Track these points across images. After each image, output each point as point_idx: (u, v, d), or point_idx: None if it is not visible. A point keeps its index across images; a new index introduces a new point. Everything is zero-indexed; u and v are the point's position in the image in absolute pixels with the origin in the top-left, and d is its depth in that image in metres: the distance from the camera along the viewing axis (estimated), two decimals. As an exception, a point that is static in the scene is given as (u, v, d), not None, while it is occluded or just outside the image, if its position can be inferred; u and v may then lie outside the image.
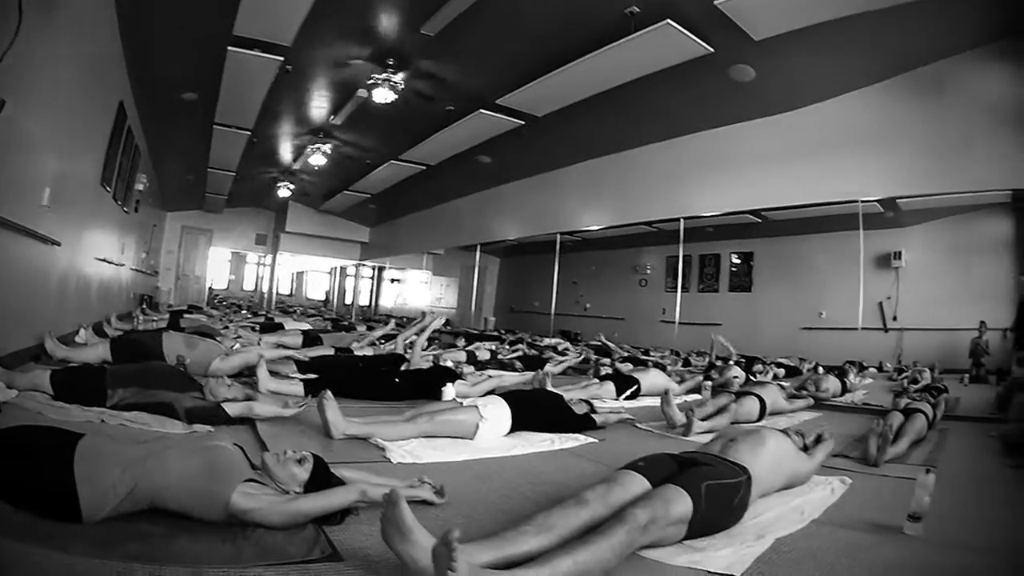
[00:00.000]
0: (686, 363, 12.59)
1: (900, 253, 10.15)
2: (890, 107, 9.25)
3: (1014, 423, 6.45)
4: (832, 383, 9.27)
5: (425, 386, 6.86)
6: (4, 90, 4.47)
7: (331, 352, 8.96)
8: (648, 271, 15.46)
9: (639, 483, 2.98)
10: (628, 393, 8.32)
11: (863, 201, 9.86)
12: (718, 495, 3.04)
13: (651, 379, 8.85)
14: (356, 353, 9.08)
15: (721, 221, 12.41)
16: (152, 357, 6.29)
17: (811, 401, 8.34)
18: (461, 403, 5.53)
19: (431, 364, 8.15)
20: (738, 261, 13.33)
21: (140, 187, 13.49)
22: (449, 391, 6.70)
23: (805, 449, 4.34)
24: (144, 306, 15.51)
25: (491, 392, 6.28)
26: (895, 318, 9.85)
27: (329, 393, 4.77)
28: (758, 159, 10.83)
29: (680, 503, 2.82)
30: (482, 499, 3.60)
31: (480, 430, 5.17)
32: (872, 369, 10.53)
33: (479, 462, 4.54)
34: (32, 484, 2.55)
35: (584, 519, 2.68)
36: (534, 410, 5.71)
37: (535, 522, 2.60)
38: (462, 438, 5.14)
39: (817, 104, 10.03)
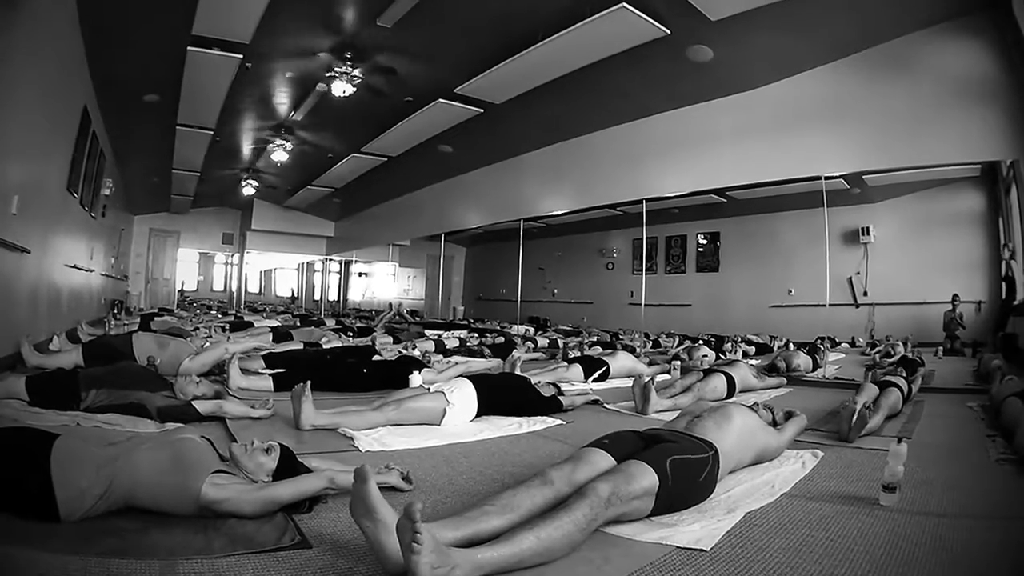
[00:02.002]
0: (656, 344, 12.65)
1: (868, 229, 10.20)
2: (853, 83, 9.31)
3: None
4: (803, 359, 9.34)
5: (393, 376, 6.89)
6: None
7: (300, 347, 8.97)
8: (615, 254, 15.47)
9: (604, 460, 2.99)
10: (596, 375, 8.35)
11: (827, 178, 9.90)
12: (684, 470, 3.05)
13: (620, 362, 8.90)
14: (324, 347, 9.09)
15: (687, 202, 12.41)
16: (123, 359, 6.26)
17: (783, 380, 8.38)
18: (428, 389, 5.54)
19: (398, 355, 8.16)
20: (705, 241, 13.36)
21: (106, 192, 13.49)
22: (416, 378, 6.73)
23: (774, 424, 4.35)
24: (116, 311, 15.40)
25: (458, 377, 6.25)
26: (865, 293, 9.92)
27: (307, 385, 4.79)
28: (720, 139, 10.88)
29: (644, 477, 2.83)
30: (450, 483, 3.64)
31: (447, 415, 5.22)
32: (844, 344, 10.60)
33: (447, 447, 4.58)
34: (9, 484, 2.56)
35: (548, 497, 2.70)
36: (501, 393, 5.76)
37: (498, 501, 2.61)
38: (430, 424, 5.18)
39: (778, 82, 10.07)
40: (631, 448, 3.13)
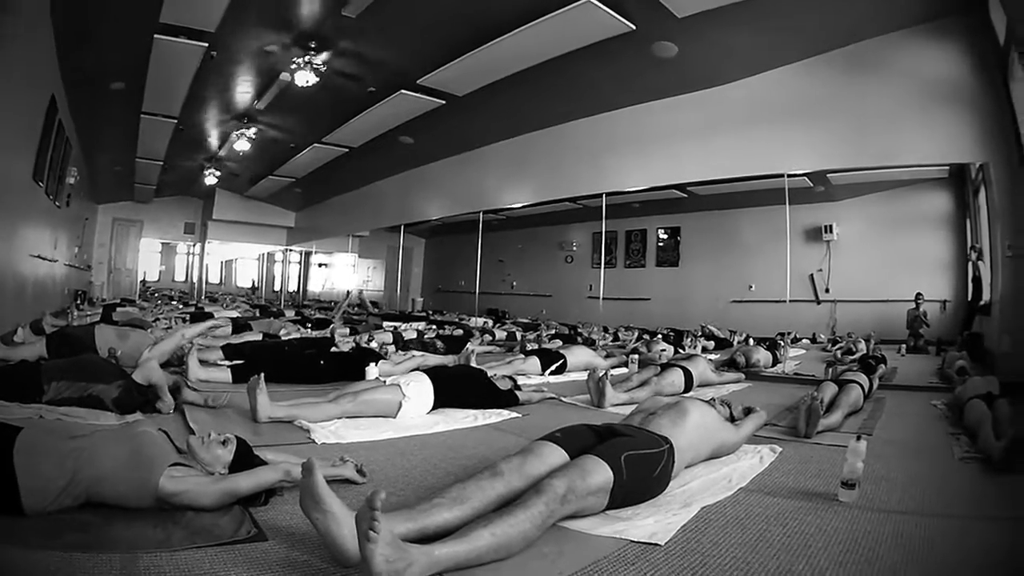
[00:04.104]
0: (615, 338, 12.70)
1: (832, 227, 10.25)
2: (820, 83, 9.35)
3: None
4: (763, 355, 9.38)
5: (350, 368, 6.92)
6: None
7: (259, 338, 8.95)
8: (574, 248, 15.51)
9: (556, 453, 3.01)
10: (553, 368, 8.39)
11: (789, 175, 9.95)
12: (638, 465, 3.07)
13: (577, 355, 8.93)
14: (283, 338, 9.07)
15: (647, 197, 12.50)
16: (86, 351, 6.22)
17: (741, 376, 8.43)
18: (384, 382, 5.58)
19: (353, 346, 8.16)
20: (665, 236, 13.39)
21: (71, 180, 13.35)
22: (372, 371, 6.73)
23: (732, 419, 4.38)
24: (79, 302, 15.28)
25: (415, 370, 6.23)
26: (827, 290, 9.97)
27: (261, 377, 4.78)
28: (682, 135, 10.88)
29: (598, 473, 2.85)
30: (404, 475, 3.67)
31: (403, 408, 5.25)
32: (805, 341, 10.67)
33: (402, 440, 4.62)
34: None
35: (499, 490, 2.73)
36: (457, 386, 5.81)
37: (449, 494, 2.63)
38: (385, 417, 5.22)
39: (744, 80, 10.08)
40: (585, 442, 3.17)
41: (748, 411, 4.58)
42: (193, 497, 2.73)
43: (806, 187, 10.25)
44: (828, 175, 10.05)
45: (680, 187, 11.73)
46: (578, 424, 3.44)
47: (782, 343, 9.89)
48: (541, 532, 2.57)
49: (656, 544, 2.71)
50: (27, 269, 9.62)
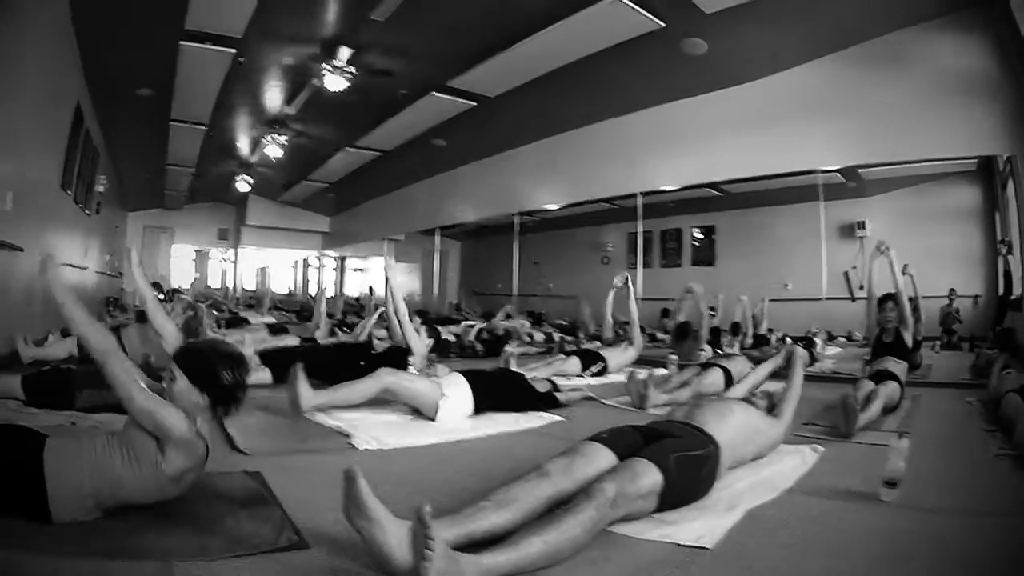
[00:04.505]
0: (652, 339, 12.58)
1: (864, 223, 10.16)
2: (848, 77, 9.27)
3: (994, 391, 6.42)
4: (800, 353, 9.28)
5: (391, 365, 6.80)
6: None
7: (296, 342, 8.92)
8: (610, 248, 15.40)
9: (603, 454, 2.95)
10: (594, 370, 8.31)
11: (822, 171, 9.91)
12: (687, 466, 3.00)
13: (617, 356, 8.83)
14: (320, 342, 9.05)
15: (681, 196, 12.41)
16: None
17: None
18: (427, 374, 5.60)
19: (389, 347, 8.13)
20: (700, 235, 13.32)
21: (100, 188, 13.47)
22: (412, 370, 6.66)
23: (772, 409, 4.32)
24: (110, 308, 15.38)
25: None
26: (861, 287, 9.87)
27: (300, 367, 4.77)
28: (714, 132, 10.81)
29: (649, 476, 2.78)
30: (447, 481, 3.59)
31: (441, 408, 5.16)
32: (841, 339, 10.59)
33: (444, 445, 4.54)
34: (1, 481, 2.51)
35: (546, 492, 2.66)
36: (496, 389, 5.70)
37: (494, 497, 2.58)
38: (420, 409, 5.20)
39: (773, 75, 10.03)
40: (632, 443, 3.09)
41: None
42: (189, 446, 2.72)
43: (838, 183, 10.20)
44: (859, 170, 9.99)
45: (714, 185, 11.66)
46: (624, 425, 3.37)
47: (817, 341, 9.80)
48: (591, 537, 2.50)
49: (704, 547, 2.63)
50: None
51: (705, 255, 13.20)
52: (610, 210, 14.15)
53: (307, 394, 4.82)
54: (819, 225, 10.18)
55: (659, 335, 12.72)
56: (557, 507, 2.59)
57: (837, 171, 9.96)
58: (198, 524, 2.66)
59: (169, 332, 5.39)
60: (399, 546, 2.19)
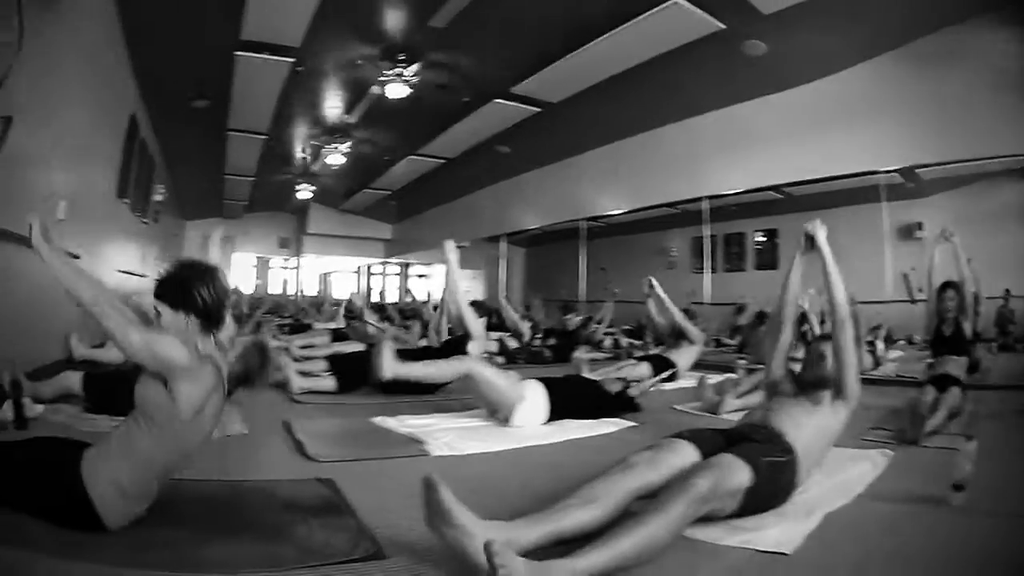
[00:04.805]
0: (718, 344, 12.54)
1: (922, 224, 10.04)
2: (902, 75, 9.15)
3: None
4: (864, 356, 9.17)
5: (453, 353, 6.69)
6: (10, 107, 4.47)
7: (362, 348, 8.92)
8: (674, 253, 15.35)
9: (688, 450, 2.89)
10: (664, 376, 8.27)
11: (883, 172, 9.77)
12: (773, 470, 2.94)
13: (685, 356, 8.75)
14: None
15: (744, 199, 12.29)
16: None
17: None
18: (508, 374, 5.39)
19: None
20: (763, 239, 13.23)
21: (158, 198, 13.66)
22: (473, 346, 6.78)
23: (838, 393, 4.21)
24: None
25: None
26: (920, 289, 9.72)
27: (390, 336, 4.75)
28: (776, 135, 10.71)
29: (740, 473, 2.73)
30: (524, 485, 3.55)
31: (517, 412, 5.09)
32: (902, 342, 10.45)
33: (520, 451, 4.49)
34: (43, 496, 2.49)
35: (632, 485, 2.62)
36: (572, 397, 5.59)
37: (580, 495, 2.52)
38: (497, 411, 5.13)
39: (830, 76, 9.92)
40: (714, 443, 3.03)
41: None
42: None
43: (896, 183, 10.08)
44: (916, 170, 9.87)
45: (776, 188, 11.56)
46: (705, 428, 3.35)
47: (878, 344, 9.67)
48: (679, 532, 2.46)
49: (784, 553, 2.60)
50: (114, 283, 9.69)
51: (768, 259, 13.09)
52: (674, 215, 14.12)
53: (391, 361, 4.79)
54: (878, 227, 10.09)
55: (724, 339, 12.65)
56: (642, 501, 2.58)
57: (896, 171, 9.84)
58: (266, 533, 2.61)
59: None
60: (478, 553, 2.10)
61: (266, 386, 4.01)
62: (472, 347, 6.75)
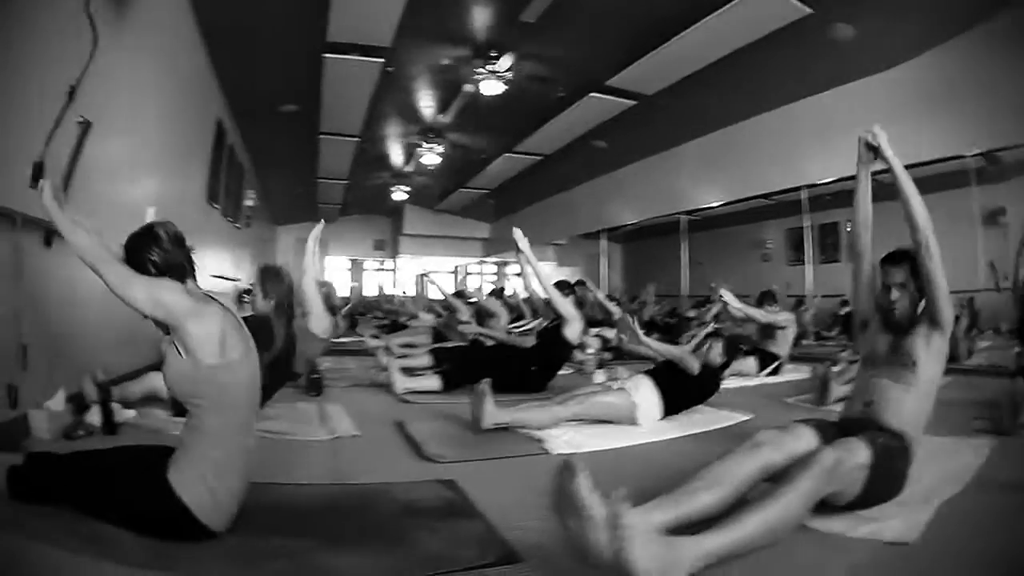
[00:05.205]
0: (818, 336, 12.51)
1: (1005, 209, 9.85)
2: (984, 56, 8.92)
3: None
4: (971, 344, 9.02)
5: (549, 350, 6.83)
6: (91, 113, 4.58)
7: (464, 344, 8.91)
8: (769, 245, 15.28)
9: (809, 435, 2.85)
10: (770, 369, 8.27)
11: (970, 155, 9.61)
12: (889, 454, 2.88)
13: (781, 344, 8.67)
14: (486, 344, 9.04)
15: (836, 188, 12.00)
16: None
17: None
18: (611, 386, 5.34)
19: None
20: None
21: (249, 203, 13.80)
22: (599, 375, 6.59)
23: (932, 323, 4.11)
24: (243, 297, 15.70)
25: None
26: (1006, 277, 9.50)
27: (488, 383, 4.67)
28: (863, 121, 10.26)
29: (860, 450, 2.69)
30: (647, 478, 3.39)
31: (638, 413, 5.05)
32: (989, 331, 10.23)
33: (639, 447, 4.47)
34: (141, 506, 2.48)
35: (757, 464, 2.62)
36: (680, 386, 5.43)
37: (707, 476, 2.52)
38: (616, 421, 5.03)
39: (916, 59, 9.73)
40: (832, 432, 2.96)
41: None
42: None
43: (977, 168, 9.96)
44: (998, 153, 9.67)
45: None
46: (822, 419, 3.26)
47: (971, 333, 9.49)
48: (807, 512, 2.44)
49: (906, 542, 2.58)
50: (207, 288, 9.89)
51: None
52: (767, 206, 14.05)
53: (492, 411, 4.60)
54: (965, 212, 9.94)
55: (824, 332, 12.61)
56: (764, 485, 2.58)
57: (980, 155, 9.68)
58: (390, 539, 2.57)
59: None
60: (607, 539, 2.02)
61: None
62: (569, 332, 6.66)
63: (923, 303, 3.34)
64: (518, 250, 6.77)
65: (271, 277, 5.14)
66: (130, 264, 2.60)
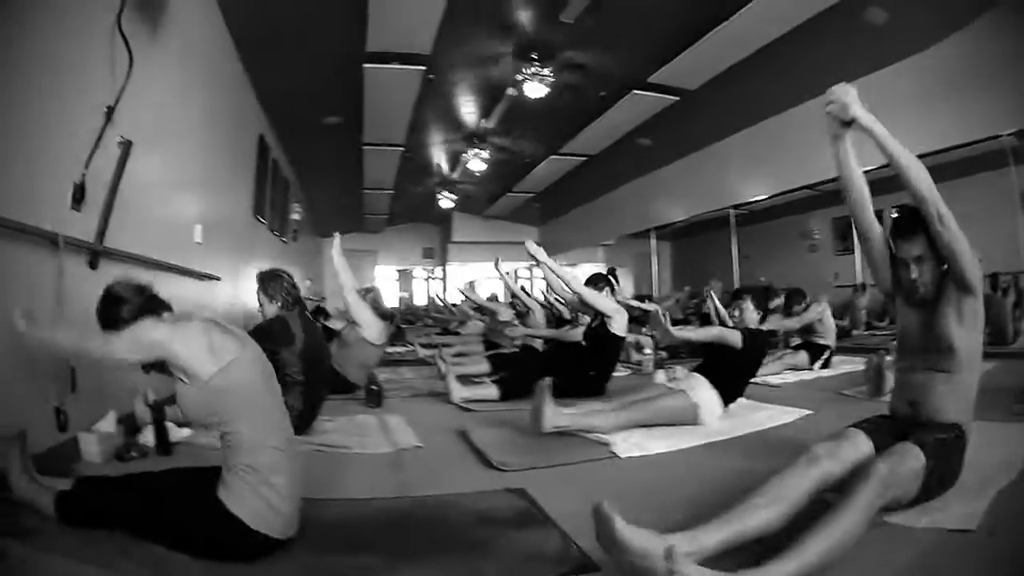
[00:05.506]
0: (869, 327, 12.46)
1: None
2: (1020, 29, 8.59)
3: None
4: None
5: (607, 356, 6.68)
6: (131, 132, 4.61)
7: (516, 349, 8.90)
8: (816, 236, 15.14)
9: (864, 442, 2.78)
10: (822, 360, 8.25)
11: (1007, 135, 9.38)
12: (946, 450, 2.84)
13: (826, 336, 8.62)
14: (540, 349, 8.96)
15: (880, 175, 11.76)
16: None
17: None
18: (669, 388, 5.28)
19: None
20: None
21: (296, 216, 13.91)
22: (660, 375, 6.29)
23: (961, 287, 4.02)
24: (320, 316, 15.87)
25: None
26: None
27: (548, 383, 4.62)
28: (900, 104, 9.80)
29: (914, 457, 2.64)
30: (710, 483, 3.41)
31: (701, 413, 5.01)
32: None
33: (705, 447, 4.41)
34: (198, 528, 2.45)
35: (816, 476, 2.54)
36: (733, 376, 5.42)
37: (767, 492, 2.44)
38: (678, 424, 4.95)
39: (951, 37, 9.41)
40: (887, 431, 2.94)
41: None
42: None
43: (1013, 147, 9.75)
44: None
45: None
46: (877, 415, 3.22)
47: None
48: (868, 522, 2.34)
49: (969, 530, 2.57)
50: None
51: (904, 235, 12.64)
52: (812, 196, 13.90)
53: (552, 413, 4.52)
54: (1004, 192, 9.83)
55: (876, 323, 12.58)
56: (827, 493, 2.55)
57: (1016, 133, 9.41)
58: (464, 553, 2.53)
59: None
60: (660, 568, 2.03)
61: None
62: (615, 326, 6.46)
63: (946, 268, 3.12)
64: (537, 262, 6.61)
65: (268, 281, 5.21)
66: (108, 329, 2.68)
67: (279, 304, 5.11)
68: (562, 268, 6.95)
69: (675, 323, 9.56)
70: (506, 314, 10.01)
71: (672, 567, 1.96)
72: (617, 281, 6.98)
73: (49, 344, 2.83)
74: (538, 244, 6.46)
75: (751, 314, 5.68)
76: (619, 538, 2.06)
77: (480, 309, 12.07)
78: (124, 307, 2.71)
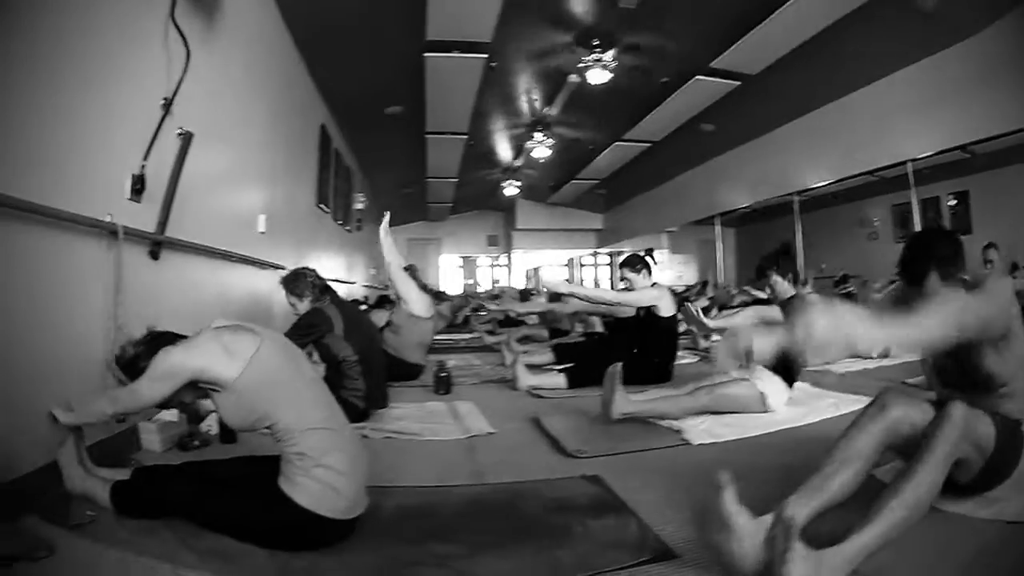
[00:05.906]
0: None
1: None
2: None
3: None
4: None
5: (664, 340, 6.71)
6: (191, 123, 4.62)
7: (582, 338, 8.85)
8: (875, 223, 14.96)
9: (930, 409, 2.64)
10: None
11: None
12: (1009, 431, 2.72)
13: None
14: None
15: (932, 162, 11.56)
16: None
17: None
18: (735, 376, 5.16)
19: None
20: (954, 202, 12.67)
21: (359, 206, 13.99)
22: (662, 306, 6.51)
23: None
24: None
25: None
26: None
27: (619, 368, 4.66)
28: (956, 90, 9.94)
29: (985, 422, 2.56)
30: (785, 466, 3.34)
31: (769, 400, 4.99)
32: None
33: (776, 434, 4.42)
34: (263, 516, 2.48)
35: (883, 428, 2.53)
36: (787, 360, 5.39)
37: (837, 456, 2.44)
38: (744, 411, 4.94)
39: (1007, 16, 9.12)
40: None
41: None
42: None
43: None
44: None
45: (962, 147, 10.86)
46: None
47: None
48: (943, 476, 2.31)
49: None
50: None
51: (962, 223, 12.51)
52: (871, 182, 13.70)
53: (622, 399, 4.63)
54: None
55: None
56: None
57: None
58: (542, 540, 2.54)
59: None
60: (753, 552, 2.08)
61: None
62: (661, 309, 6.49)
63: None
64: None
65: (292, 282, 5.28)
66: (134, 376, 2.68)
67: (310, 298, 5.21)
68: (585, 288, 6.98)
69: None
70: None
71: (788, 544, 1.96)
72: (654, 261, 6.92)
73: (88, 420, 2.85)
74: (564, 265, 6.54)
75: (782, 286, 5.60)
76: (726, 516, 2.08)
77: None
78: (139, 362, 2.69)
